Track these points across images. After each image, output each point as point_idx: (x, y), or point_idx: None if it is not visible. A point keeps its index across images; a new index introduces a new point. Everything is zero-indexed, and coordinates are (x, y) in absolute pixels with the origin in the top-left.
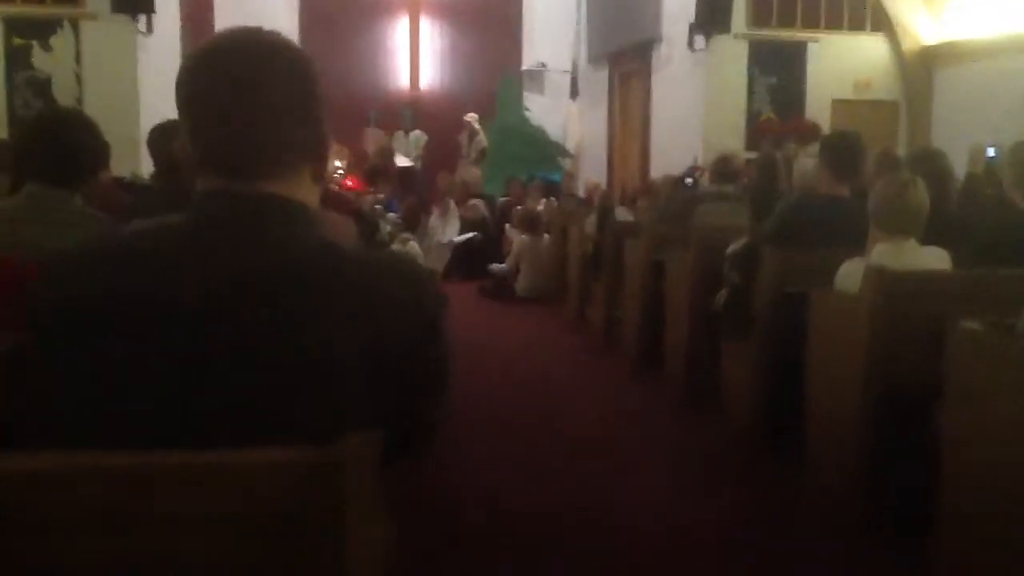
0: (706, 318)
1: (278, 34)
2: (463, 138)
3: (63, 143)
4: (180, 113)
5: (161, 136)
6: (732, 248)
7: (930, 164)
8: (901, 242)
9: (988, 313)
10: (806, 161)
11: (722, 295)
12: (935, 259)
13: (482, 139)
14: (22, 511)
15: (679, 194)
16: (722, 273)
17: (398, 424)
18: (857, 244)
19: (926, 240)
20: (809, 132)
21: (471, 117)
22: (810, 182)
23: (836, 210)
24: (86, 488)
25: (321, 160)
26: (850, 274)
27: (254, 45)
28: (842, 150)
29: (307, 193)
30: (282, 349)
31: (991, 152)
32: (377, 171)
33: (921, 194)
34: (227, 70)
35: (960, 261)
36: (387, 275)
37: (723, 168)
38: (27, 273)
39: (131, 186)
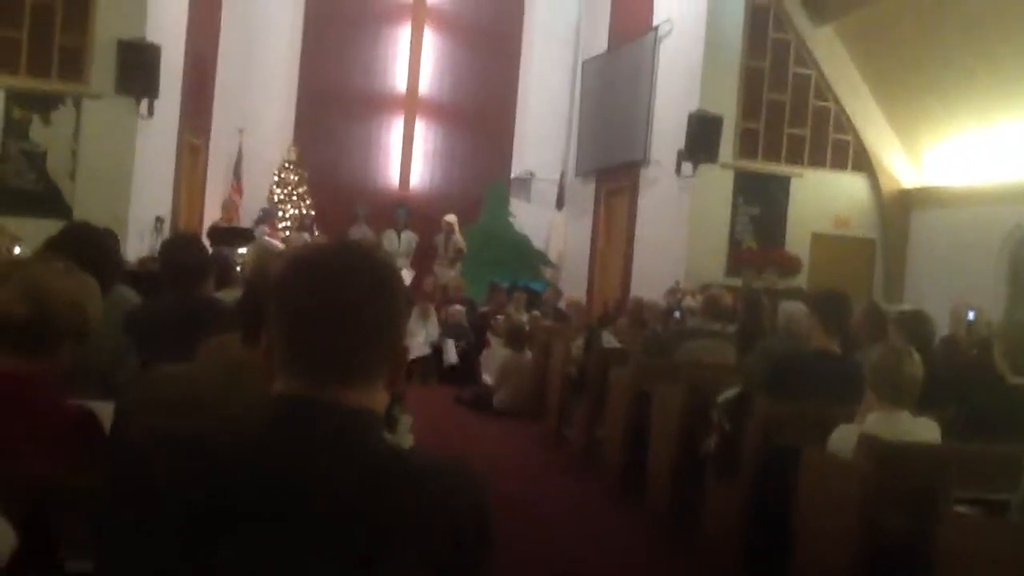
0: (694, 459)
1: (370, 247)
2: (439, 239)
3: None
4: (274, 317)
5: (176, 247)
6: (724, 396)
7: (916, 328)
8: (895, 412)
9: (979, 487)
10: (790, 304)
11: (712, 440)
12: (927, 430)
13: (458, 239)
14: None
15: (667, 327)
16: (711, 417)
17: None
18: (847, 398)
19: None
20: (789, 265)
21: (450, 218)
22: (796, 328)
23: (828, 364)
24: None
25: (396, 368)
26: (844, 439)
27: (352, 258)
28: (834, 307)
29: (380, 399)
30: (349, 552)
31: (971, 316)
32: None
33: (916, 367)
34: (325, 281)
35: (945, 423)
36: (448, 483)
37: (712, 306)
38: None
39: (137, 276)
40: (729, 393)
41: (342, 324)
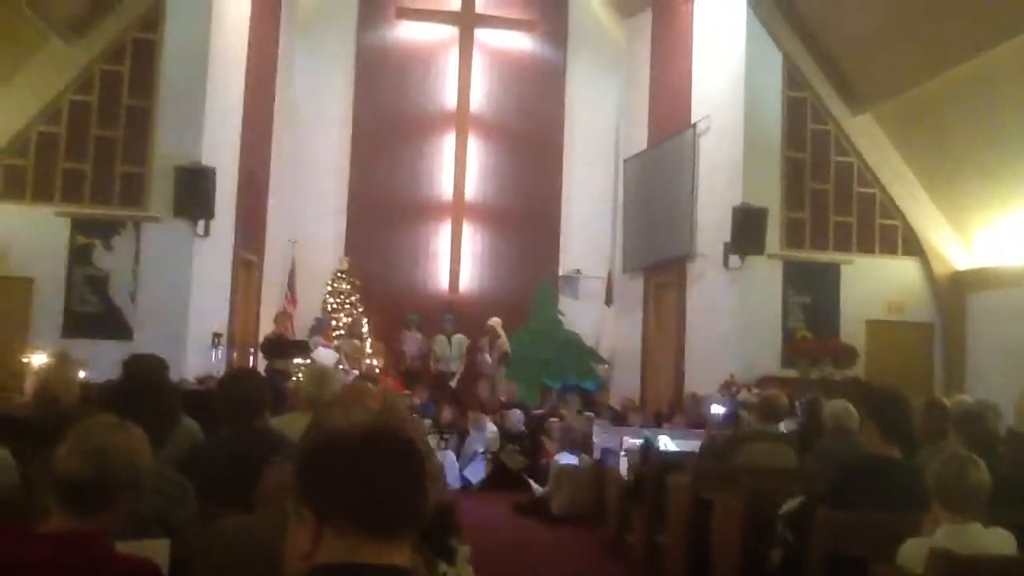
0: (759, 571)
1: (401, 427)
2: (484, 343)
3: (151, 407)
4: (320, 495)
5: (233, 381)
6: (786, 508)
7: (978, 428)
8: (965, 524)
9: None
10: (835, 403)
11: (777, 554)
12: (1001, 542)
13: (503, 342)
14: None
15: (724, 430)
16: (774, 525)
17: None
18: (911, 505)
19: None
20: (845, 355)
21: (493, 322)
22: (845, 424)
23: (889, 471)
24: None
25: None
26: (913, 553)
27: (387, 440)
28: (891, 412)
29: (409, 554)
30: None
31: None
32: (414, 374)
33: (982, 474)
34: (368, 464)
35: (1016, 529)
36: None
37: (769, 408)
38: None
39: (196, 397)
40: (792, 504)
41: (386, 501)
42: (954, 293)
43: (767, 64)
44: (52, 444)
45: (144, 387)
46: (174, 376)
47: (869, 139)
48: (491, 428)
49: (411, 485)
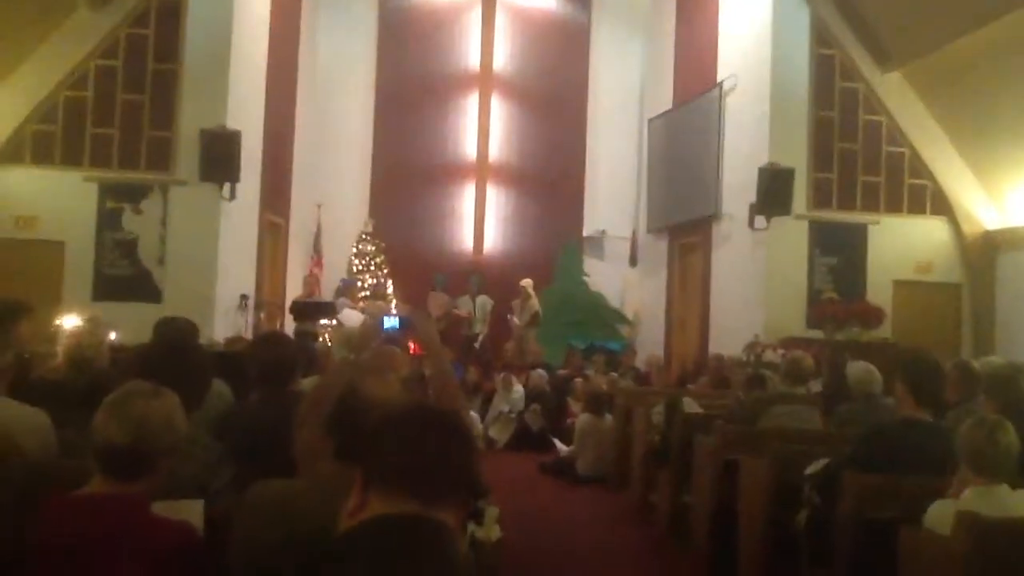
0: (786, 536)
1: (456, 413)
2: (516, 304)
3: (184, 372)
4: (381, 464)
5: (265, 345)
6: (811, 469)
7: (1008, 387)
8: (993, 487)
9: None
10: (857, 364)
11: (803, 516)
12: None
13: (534, 303)
14: None
15: (750, 392)
16: (800, 488)
17: None
18: (939, 468)
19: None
20: (872, 317)
21: (526, 282)
22: (867, 388)
23: (917, 433)
24: None
25: (466, 500)
26: (940, 515)
27: (444, 420)
28: (924, 375)
29: (454, 519)
30: None
31: None
32: (440, 336)
33: (1011, 437)
34: (427, 439)
35: None
36: None
37: (794, 370)
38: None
39: (225, 357)
40: (816, 466)
41: (430, 469)
42: (984, 253)
43: (794, 21)
44: (86, 407)
45: (175, 350)
46: (203, 338)
47: (899, 97)
48: (518, 389)
49: (456, 457)
